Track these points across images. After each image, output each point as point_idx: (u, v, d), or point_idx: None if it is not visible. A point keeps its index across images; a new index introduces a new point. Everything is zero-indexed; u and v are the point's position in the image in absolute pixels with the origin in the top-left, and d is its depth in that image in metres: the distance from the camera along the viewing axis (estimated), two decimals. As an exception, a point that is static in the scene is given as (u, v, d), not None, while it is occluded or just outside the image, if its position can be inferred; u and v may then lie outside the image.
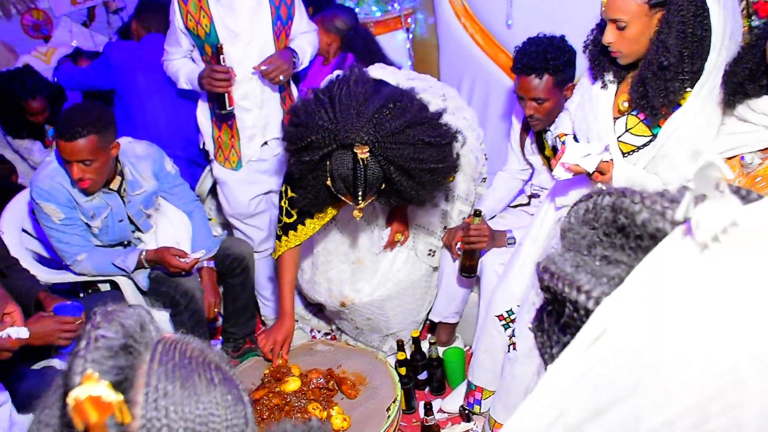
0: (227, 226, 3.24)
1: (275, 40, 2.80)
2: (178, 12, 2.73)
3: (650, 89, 1.89)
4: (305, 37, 2.93)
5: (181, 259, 2.62)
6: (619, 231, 0.67)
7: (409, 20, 3.57)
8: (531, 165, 2.80)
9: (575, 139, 2.21)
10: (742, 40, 1.92)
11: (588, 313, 0.64)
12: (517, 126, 2.78)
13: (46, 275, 2.74)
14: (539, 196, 2.79)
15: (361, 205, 2.11)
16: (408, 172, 2.06)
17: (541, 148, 2.68)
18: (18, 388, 2.30)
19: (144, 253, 2.65)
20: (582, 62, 2.50)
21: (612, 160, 2.02)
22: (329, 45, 3.44)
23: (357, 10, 3.60)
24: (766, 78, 1.80)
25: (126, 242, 2.78)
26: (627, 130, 2.02)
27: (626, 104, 2.04)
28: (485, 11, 3.14)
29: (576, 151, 2.01)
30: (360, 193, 2.06)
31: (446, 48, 3.38)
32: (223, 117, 2.82)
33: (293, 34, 2.89)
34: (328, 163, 2.06)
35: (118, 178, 2.63)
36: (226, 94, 2.71)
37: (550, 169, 2.61)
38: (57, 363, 2.49)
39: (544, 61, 2.41)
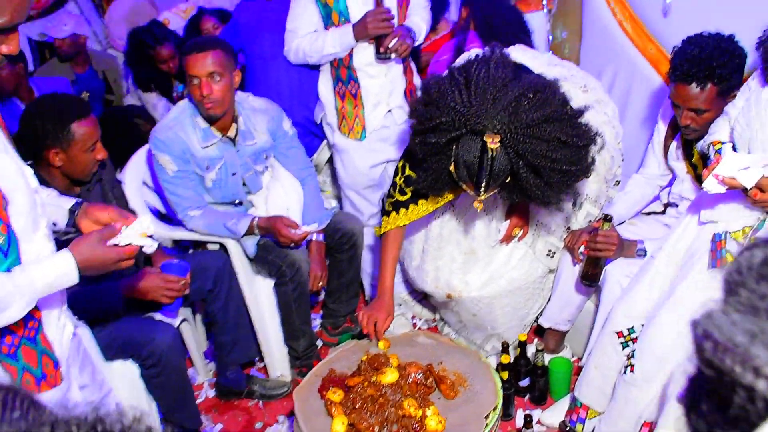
0: (340, 200, 3.18)
1: (398, 8, 2.76)
2: None
3: (838, 99, 1.62)
4: (420, 13, 2.89)
5: (293, 231, 2.58)
6: None
7: (551, 1, 3.34)
8: (672, 171, 2.54)
9: (733, 148, 1.96)
10: None
11: None
12: (662, 128, 2.51)
13: (159, 230, 2.79)
14: (677, 205, 2.53)
15: (482, 197, 1.96)
16: (537, 170, 1.89)
17: (688, 154, 2.41)
18: (119, 335, 2.35)
19: (257, 219, 2.63)
20: (750, 61, 2.22)
21: (776, 176, 1.76)
22: (464, 18, 3.29)
23: (497, -14, 3.40)
24: None
25: (238, 202, 2.78)
26: (800, 145, 1.76)
27: (802, 114, 1.77)
28: (639, -4, 2.87)
29: (734, 163, 1.77)
30: (483, 185, 1.90)
31: (590, 34, 3.13)
32: (383, 59, 2.77)
33: (411, 5, 2.85)
34: (454, 147, 1.92)
35: (234, 126, 2.64)
36: (387, 37, 2.68)
37: (697, 179, 2.38)
38: (159, 316, 2.54)
39: (708, 69, 2.09)
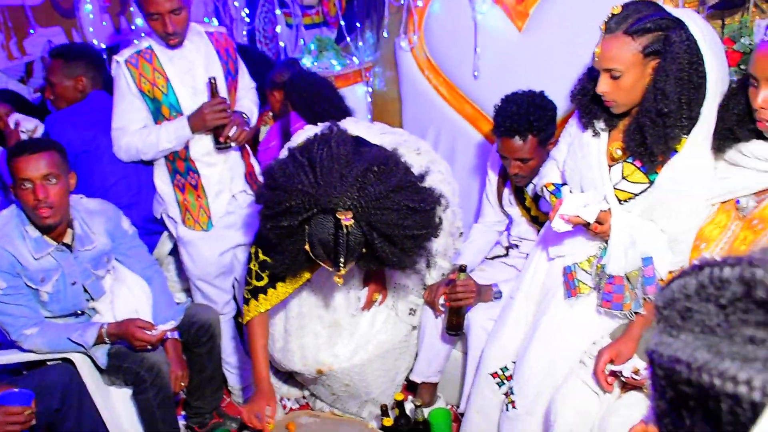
0: (189, 292, 3.04)
1: (228, 94, 2.75)
2: (128, 77, 2.63)
3: (649, 137, 1.88)
4: (248, 95, 2.92)
5: (148, 332, 2.41)
6: (760, 306, 0.58)
7: (368, 74, 3.53)
8: (508, 216, 2.75)
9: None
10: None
11: (756, 406, 0.54)
12: (493, 178, 2.73)
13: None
14: (518, 247, 2.74)
15: (342, 272, 1.99)
16: (390, 239, 1.96)
17: (520, 199, 2.63)
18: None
19: (105, 326, 2.43)
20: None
21: (609, 209, 1.99)
22: (279, 101, 3.34)
23: (316, 64, 3.54)
24: (752, 122, 1.82)
25: (79, 312, 2.55)
26: (623, 178, 2.00)
27: (620, 152, 2.02)
28: (450, 63, 3.12)
29: (574, 202, 1.97)
30: (342, 260, 1.93)
31: (409, 101, 3.34)
32: (223, 149, 2.73)
33: (240, 89, 2.86)
34: (307, 227, 1.94)
35: (69, 231, 2.46)
36: (226, 127, 2.63)
37: (532, 220, 2.60)
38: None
39: (527, 123, 2.36)
